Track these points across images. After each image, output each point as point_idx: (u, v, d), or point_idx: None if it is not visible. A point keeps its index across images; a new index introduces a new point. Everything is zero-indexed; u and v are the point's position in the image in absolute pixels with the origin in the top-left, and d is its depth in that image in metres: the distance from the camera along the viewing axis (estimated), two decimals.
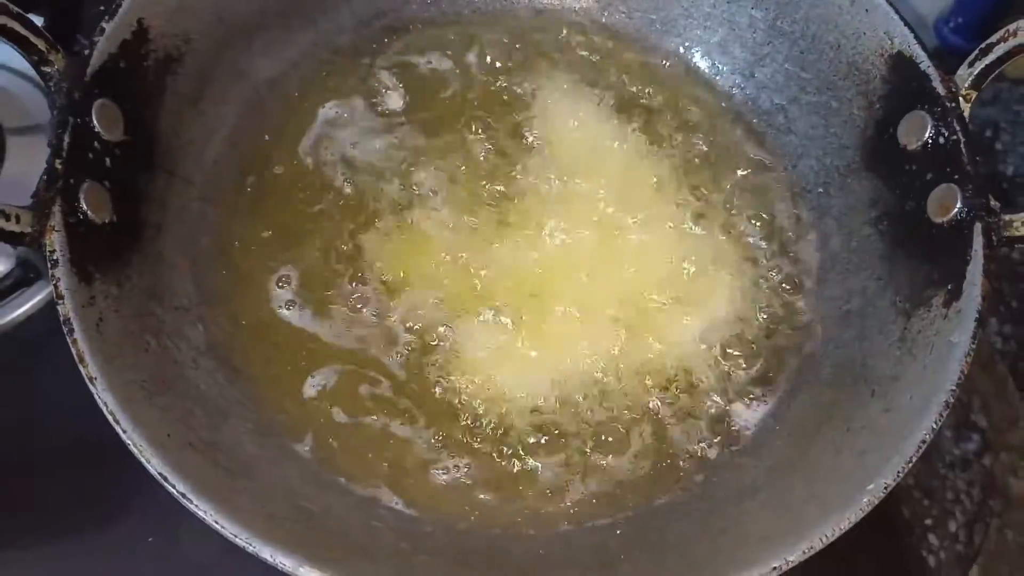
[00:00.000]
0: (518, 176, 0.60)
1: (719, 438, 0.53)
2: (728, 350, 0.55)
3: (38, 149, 0.66)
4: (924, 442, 0.43)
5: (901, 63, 0.54)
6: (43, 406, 0.60)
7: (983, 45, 0.50)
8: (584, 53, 0.65)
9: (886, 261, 0.55)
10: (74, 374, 0.59)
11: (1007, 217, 0.48)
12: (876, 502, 0.42)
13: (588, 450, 0.52)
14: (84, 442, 0.57)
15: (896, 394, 0.48)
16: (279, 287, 0.55)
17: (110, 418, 0.42)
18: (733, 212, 0.60)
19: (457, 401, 0.53)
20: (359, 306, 0.55)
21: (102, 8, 0.72)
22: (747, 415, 0.54)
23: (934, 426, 0.43)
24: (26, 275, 0.62)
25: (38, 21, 0.66)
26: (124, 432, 0.41)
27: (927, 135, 0.52)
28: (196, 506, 0.40)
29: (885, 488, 0.42)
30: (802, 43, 0.60)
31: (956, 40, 0.85)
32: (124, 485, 0.56)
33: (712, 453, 0.52)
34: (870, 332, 0.53)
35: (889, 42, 0.55)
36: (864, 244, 0.56)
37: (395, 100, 0.62)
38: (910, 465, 0.43)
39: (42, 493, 0.57)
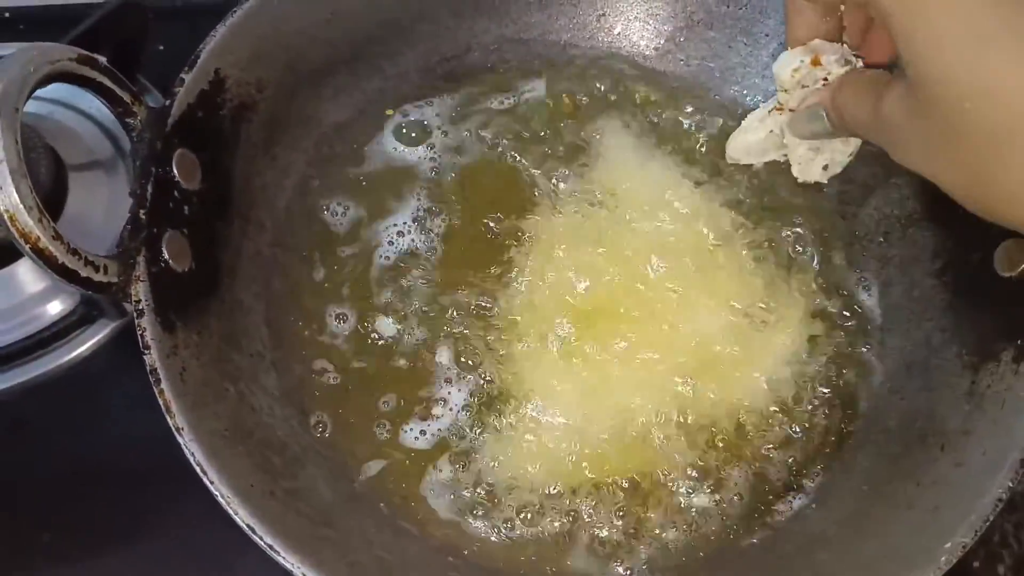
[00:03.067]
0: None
1: (784, 488, 0.53)
2: (789, 399, 0.56)
3: (98, 184, 0.68)
4: (1000, 500, 0.43)
5: None
6: (102, 440, 0.61)
7: None
8: (641, 101, 0.66)
9: (951, 313, 0.55)
10: (133, 409, 0.61)
11: None
12: (954, 561, 0.42)
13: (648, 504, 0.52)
14: (141, 472, 0.58)
15: (967, 449, 0.48)
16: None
17: (197, 469, 0.42)
18: (793, 260, 0.60)
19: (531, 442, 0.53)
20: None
21: (161, 47, 0.74)
22: (812, 466, 0.54)
23: (1010, 484, 0.44)
24: (89, 312, 0.63)
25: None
26: (212, 483, 0.42)
27: None
28: (284, 558, 0.41)
29: (963, 548, 0.42)
30: None
31: None
32: (178, 514, 0.56)
33: (778, 504, 0.53)
34: (936, 384, 0.53)
35: None
36: (927, 295, 0.57)
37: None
38: (987, 524, 0.43)
39: (103, 520, 0.58)
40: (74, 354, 0.62)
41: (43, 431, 0.60)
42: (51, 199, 0.65)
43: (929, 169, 0.37)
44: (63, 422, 0.61)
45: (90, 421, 0.61)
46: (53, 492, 0.58)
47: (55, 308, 0.62)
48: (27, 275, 0.63)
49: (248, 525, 0.41)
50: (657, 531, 0.52)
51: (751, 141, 0.51)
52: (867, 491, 0.51)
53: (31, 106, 0.70)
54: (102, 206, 0.67)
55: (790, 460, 0.54)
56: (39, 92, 0.71)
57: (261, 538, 0.41)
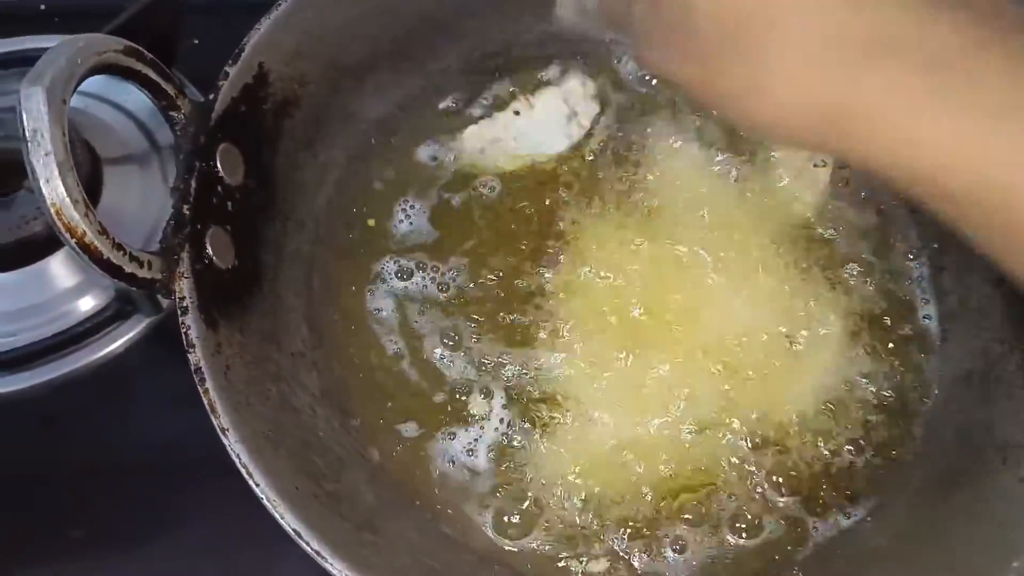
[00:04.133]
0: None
1: (837, 502, 0.52)
2: (841, 410, 0.54)
3: (132, 178, 0.67)
4: None
5: None
6: (133, 438, 0.60)
7: None
8: (686, 102, 0.65)
9: (1008, 324, 0.53)
10: (165, 406, 0.60)
11: None
12: None
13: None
14: (172, 471, 0.57)
15: None
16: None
17: (243, 471, 0.41)
18: (844, 266, 0.59)
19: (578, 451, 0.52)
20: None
21: (196, 41, 0.73)
22: (866, 479, 0.52)
23: None
24: (123, 308, 0.62)
25: None
26: (257, 486, 0.41)
27: None
28: (331, 564, 0.40)
29: None
30: None
31: None
32: (208, 514, 0.56)
33: (831, 518, 0.51)
34: (996, 396, 0.51)
35: None
36: (984, 304, 0.55)
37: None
38: None
39: (132, 517, 0.57)
40: (106, 351, 0.61)
41: (74, 428, 0.59)
42: (87, 193, 0.64)
43: (665, 64, 0.37)
44: (94, 419, 0.60)
45: (122, 418, 0.61)
46: (83, 489, 0.57)
47: (87, 304, 0.62)
48: (59, 270, 0.62)
49: (295, 530, 0.40)
50: (705, 545, 0.50)
51: None
52: (924, 505, 0.50)
53: None
54: (135, 200, 0.66)
55: (843, 473, 0.53)
56: None
57: (308, 543, 0.40)
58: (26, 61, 0.71)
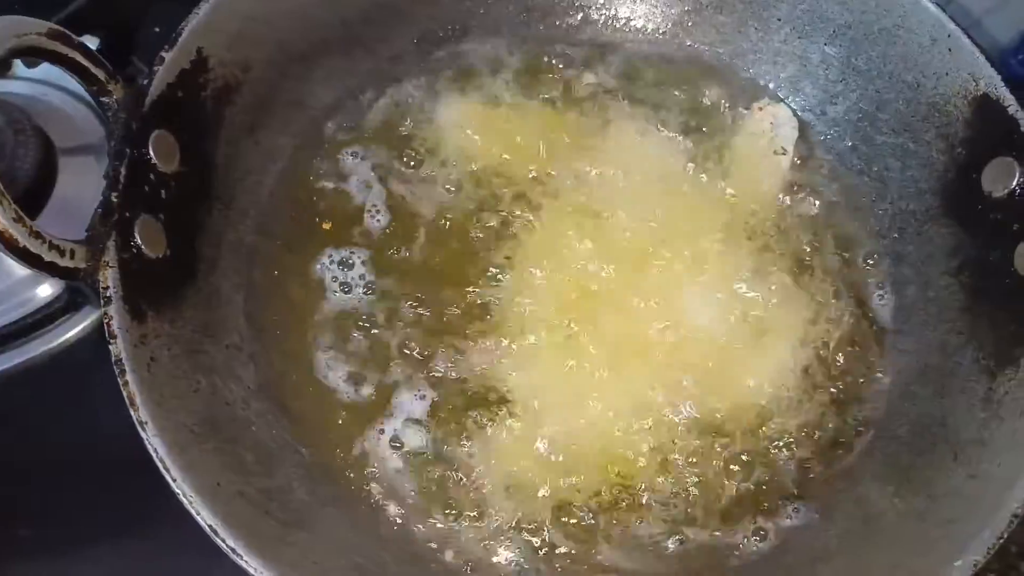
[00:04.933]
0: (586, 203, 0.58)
1: (789, 497, 0.50)
2: (793, 402, 0.53)
3: (89, 169, 0.66)
4: (1016, 516, 0.41)
5: (986, 106, 0.52)
6: (85, 432, 0.59)
7: None
8: (650, 85, 0.63)
9: (967, 315, 0.52)
10: (118, 400, 0.59)
11: None
12: None
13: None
14: (124, 465, 0.56)
15: (982, 459, 0.45)
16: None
17: (160, 465, 0.40)
18: (802, 255, 0.57)
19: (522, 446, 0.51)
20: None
21: (157, 30, 0.72)
22: (816, 473, 0.51)
23: None
24: (74, 300, 0.61)
25: (93, 43, 0.66)
26: (174, 481, 0.40)
27: (1015, 183, 0.50)
28: (246, 562, 0.39)
29: (975, 565, 0.40)
30: (878, 82, 0.58)
31: None
32: (163, 510, 0.55)
33: (780, 513, 0.50)
34: (950, 390, 0.50)
35: (973, 83, 0.53)
36: (943, 295, 0.54)
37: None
38: (1001, 541, 0.40)
39: (83, 513, 0.56)
40: (58, 342, 0.60)
41: (25, 421, 0.59)
42: (39, 181, 0.63)
43: None
44: (46, 412, 0.59)
45: (73, 412, 0.60)
46: (33, 484, 0.56)
47: (44, 292, 0.60)
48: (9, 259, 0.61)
49: (210, 526, 0.39)
50: (645, 543, 0.49)
51: None
52: (874, 502, 0.48)
53: (20, 87, 0.69)
54: (93, 191, 0.64)
55: (792, 468, 0.51)
56: (29, 73, 0.71)
57: (224, 540, 0.39)
58: None
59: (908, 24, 0.55)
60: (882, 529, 0.46)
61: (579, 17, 0.65)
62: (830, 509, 0.50)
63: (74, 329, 0.61)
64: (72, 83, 0.70)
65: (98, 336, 0.60)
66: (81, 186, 0.65)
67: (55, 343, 0.60)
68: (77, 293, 0.61)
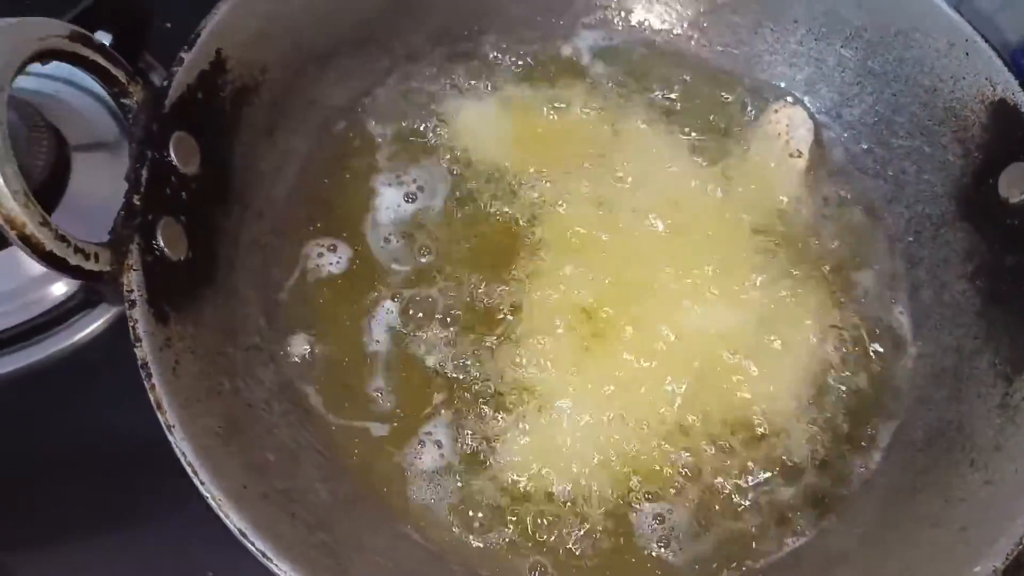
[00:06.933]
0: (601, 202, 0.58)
1: (805, 501, 0.51)
2: (812, 406, 0.53)
3: (102, 166, 0.66)
4: None
5: (1004, 111, 0.52)
6: (98, 429, 0.59)
7: None
8: (663, 86, 0.63)
9: (984, 319, 0.52)
10: (133, 398, 0.59)
11: None
12: None
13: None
14: (137, 464, 0.56)
15: (998, 465, 0.45)
16: None
17: (188, 469, 0.40)
18: (816, 259, 0.57)
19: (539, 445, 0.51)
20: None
21: (168, 25, 0.72)
22: (833, 479, 0.51)
23: None
24: (89, 297, 0.61)
25: (107, 39, 0.65)
26: (203, 484, 0.40)
27: None
28: (276, 565, 0.39)
29: (993, 571, 0.40)
30: (894, 85, 0.58)
31: None
32: (174, 508, 0.55)
33: (799, 517, 0.50)
34: (967, 395, 0.50)
35: (990, 88, 0.53)
36: (959, 299, 0.54)
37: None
38: (1019, 547, 0.40)
39: (94, 511, 0.56)
40: (73, 340, 0.61)
41: (39, 418, 0.59)
42: (52, 180, 0.63)
43: None
44: (60, 409, 0.59)
45: (87, 409, 0.60)
46: (46, 480, 0.56)
47: (58, 290, 0.61)
48: (25, 258, 0.61)
49: (240, 529, 0.39)
50: (668, 547, 0.49)
51: None
52: (890, 507, 0.49)
53: (33, 83, 0.69)
54: (106, 189, 0.65)
55: (810, 472, 0.52)
56: (42, 69, 0.70)
57: (253, 543, 0.39)
58: None
59: (925, 27, 0.55)
60: (899, 534, 0.47)
61: (596, 17, 0.65)
62: (847, 513, 0.50)
63: (88, 328, 0.61)
64: (84, 80, 0.70)
65: (110, 335, 0.61)
66: (94, 184, 0.65)
67: (69, 341, 0.61)
68: (93, 292, 0.62)
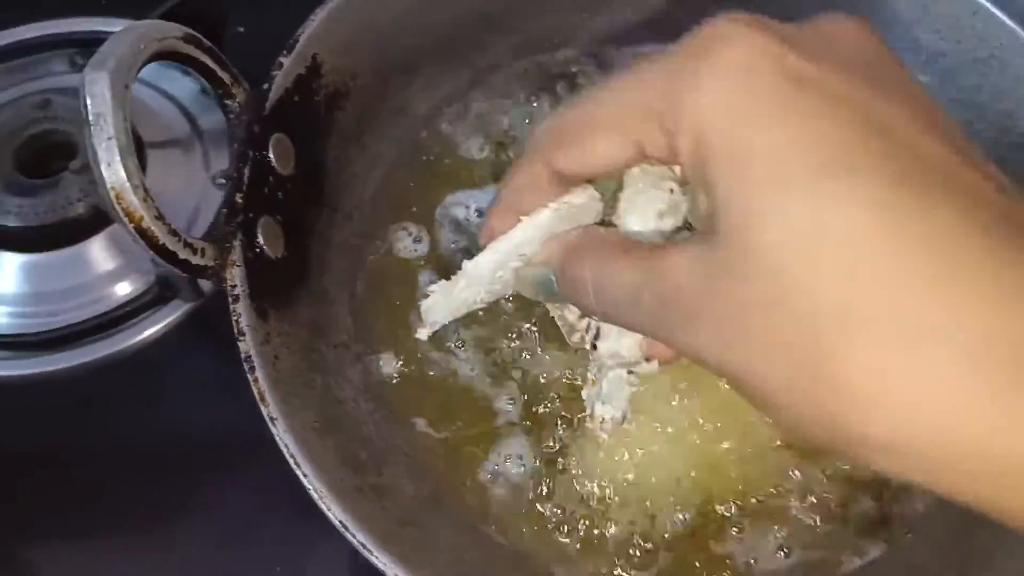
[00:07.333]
0: None
1: (879, 518, 0.51)
2: None
3: (175, 163, 0.67)
4: None
5: None
6: (167, 423, 0.60)
7: None
8: None
9: None
10: (202, 392, 0.60)
11: None
12: None
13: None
14: (203, 458, 0.58)
15: None
16: None
17: (291, 461, 0.41)
18: None
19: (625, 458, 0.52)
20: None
21: (241, 29, 0.73)
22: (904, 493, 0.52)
23: None
24: (163, 293, 0.63)
25: None
26: (304, 476, 0.41)
27: None
28: (376, 557, 0.40)
29: None
30: (970, 111, 0.58)
31: None
32: (237, 498, 0.56)
33: (873, 534, 0.51)
34: None
35: None
36: None
37: None
38: None
39: (160, 498, 0.57)
40: (145, 334, 0.61)
41: (110, 410, 0.60)
42: None
43: (727, 357, 0.26)
44: (130, 402, 0.60)
45: (157, 403, 0.61)
46: (115, 471, 0.57)
47: (124, 288, 0.62)
48: (100, 253, 0.62)
49: (341, 522, 0.40)
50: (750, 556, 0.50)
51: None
52: (971, 520, 0.49)
53: None
54: (178, 184, 0.67)
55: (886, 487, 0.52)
56: None
57: (355, 536, 0.40)
58: (70, 43, 0.72)
59: (1004, 56, 0.56)
60: (980, 548, 0.47)
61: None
62: (923, 527, 0.50)
63: (161, 323, 0.62)
64: (157, 79, 0.72)
65: (182, 330, 0.62)
66: (168, 180, 0.66)
67: (141, 336, 0.61)
68: (167, 288, 0.63)
